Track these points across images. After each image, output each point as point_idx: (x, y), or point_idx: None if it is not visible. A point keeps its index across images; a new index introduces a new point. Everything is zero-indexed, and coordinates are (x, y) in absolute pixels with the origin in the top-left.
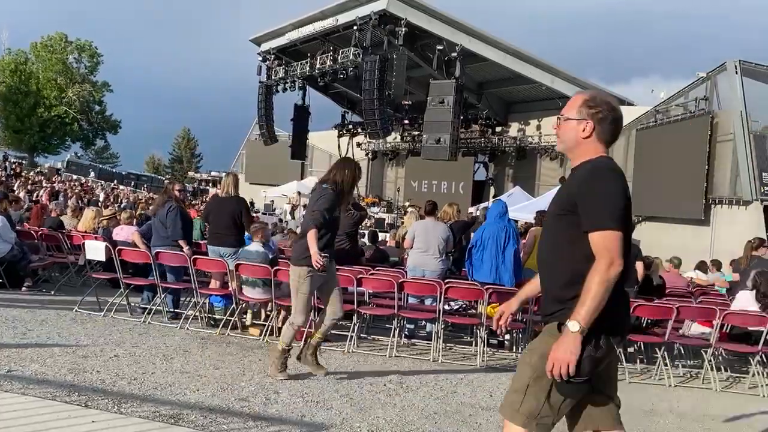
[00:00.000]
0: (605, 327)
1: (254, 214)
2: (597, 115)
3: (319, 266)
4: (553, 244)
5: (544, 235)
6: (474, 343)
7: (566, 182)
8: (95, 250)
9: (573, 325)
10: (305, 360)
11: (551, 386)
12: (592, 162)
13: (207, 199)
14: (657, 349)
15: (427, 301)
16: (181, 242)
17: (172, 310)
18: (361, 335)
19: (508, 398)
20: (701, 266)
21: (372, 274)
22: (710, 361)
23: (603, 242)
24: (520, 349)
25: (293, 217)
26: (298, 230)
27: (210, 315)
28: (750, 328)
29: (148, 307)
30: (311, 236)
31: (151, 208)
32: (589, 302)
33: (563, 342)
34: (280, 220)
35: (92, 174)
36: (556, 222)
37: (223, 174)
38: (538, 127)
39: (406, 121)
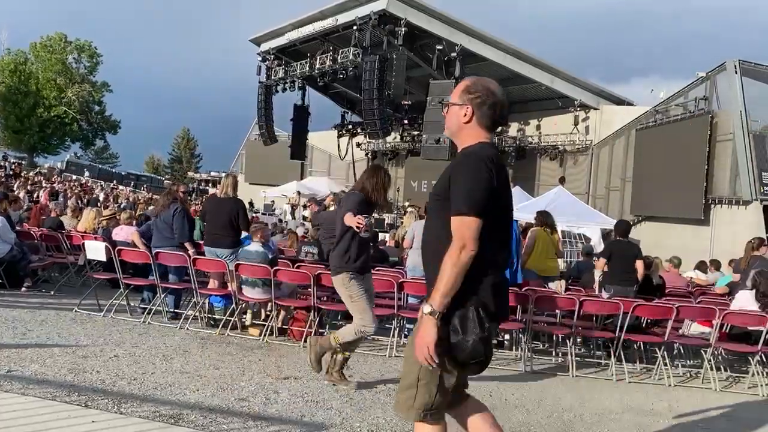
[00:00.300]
0: (475, 305)
1: (254, 215)
2: (475, 100)
3: (361, 226)
4: (428, 227)
5: (426, 218)
6: None
7: (447, 166)
8: (95, 251)
9: (425, 308)
10: (332, 377)
11: (441, 375)
12: (470, 149)
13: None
14: (657, 349)
15: None
16: (187, 244)
17: (171, 310)
18: None
19: (401, 396)
20: (701, 266)
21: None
22: (710, 360)
23: (458, 227)
24: (520, 348)
25: (293, 218)
26: (298, 230)
27: (210, 315)
28: (750, 328)
29: (148, 307)
30: (348, 216)
31: (152, 208)
32: (441, 285)
33: (420, 326)
34: (280, 221)
35: (87, 173)
36: (433, 205)
37: (223, 174)
38: (538, 127)
39: (406, 121)
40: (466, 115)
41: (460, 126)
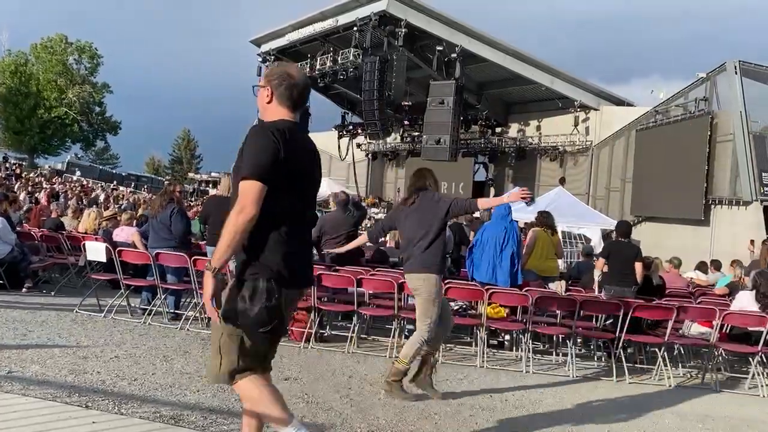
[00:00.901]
0: (266, 276)
1: None
2: (273, 81)
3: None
4: (232, 200)
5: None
6: (474, 343)
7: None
8: (96, 251)
9: (207, 266)
10: (421, 383)
11: (241, 339)
12: (265, 123)
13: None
14: (657, 350)
15: None
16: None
17: (172, 311)
18: (362, 336)
19: (209, 365)
20: (701, 267)
21: (372, 274)
22: (710, 361)
23: (241, 191)
24: (520, 349)
25: None
26: None
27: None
28: (750, 329)
29: (149, 308)
30: (513, 194)
31: (148, 208)
32: (220, 245)
33: (203, 283)
34: None
35: (78, 173)
36: (235, 178)
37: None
38: (538, 128)
39: (406, 122)
40: (267, 96)
41: (264, 106)
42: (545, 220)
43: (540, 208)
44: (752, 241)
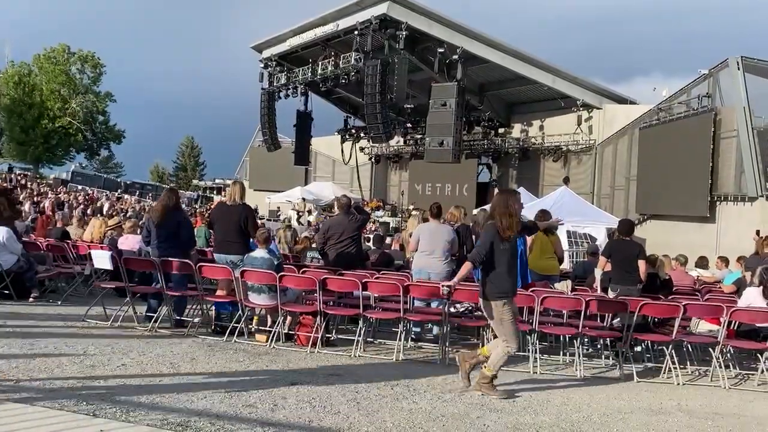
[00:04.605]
0: None
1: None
2: None
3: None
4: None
5: None
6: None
7: None
8: (102, 259)
9: None
10: (481, 388)
11: None
12: None
13: (210, 206)
14: (665, 348)
15: (433, 304)
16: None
17: (178, 318)
18: (368, 339)
19: None
20: (700, 262)
21: (377, 278)
22: (718, 358)
23: None
24: (527, 350)
25: (300, 224)
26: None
27: (216, 322)
28: (758, 325)
29: (155, 315)
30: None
31: (151, 214)
32: None
33: None
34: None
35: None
36: None
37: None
38: (541, 128)
39: (409, 125)
40: None
41: None
42: (541, 219)
43: (544, 208)
44: (758, 232)
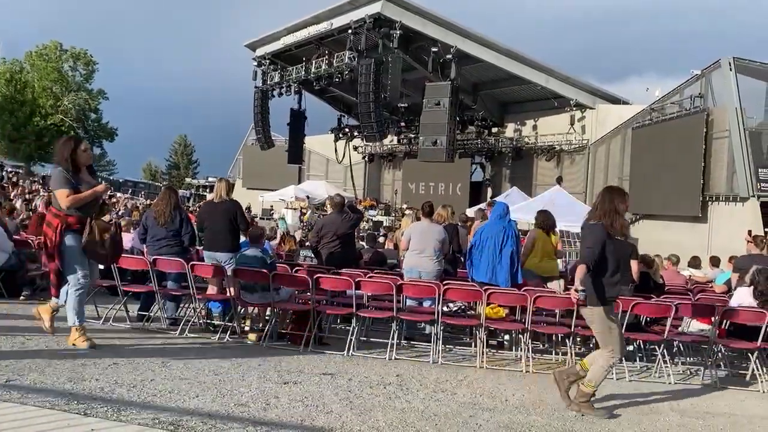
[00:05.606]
0: None
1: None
2: None
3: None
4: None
5: None
6: (473, 344)
7: None
8: None
9: None
10: (579, 407)
11: None
12: None
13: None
14: (656, 347)
15: (426, 303)
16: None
17: (169, 316)
18: (361, 338)
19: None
20: (693, 261)
21: (371, 277)
22: (710, 357)
23: None
24: (519, 349)
25: (302, 221)
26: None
27: (208, 321)
28: (749, 324)
29: (147, 314)
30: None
31: (155, 214)
32: None
33: None
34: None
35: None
36: None
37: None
38: (534, 128)
39: (403, 124)
40: None
41: None
42: (544, 220)
43: (537, 208)
44: (750, 232)
